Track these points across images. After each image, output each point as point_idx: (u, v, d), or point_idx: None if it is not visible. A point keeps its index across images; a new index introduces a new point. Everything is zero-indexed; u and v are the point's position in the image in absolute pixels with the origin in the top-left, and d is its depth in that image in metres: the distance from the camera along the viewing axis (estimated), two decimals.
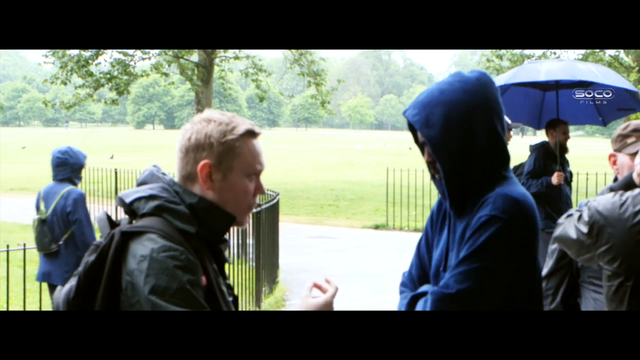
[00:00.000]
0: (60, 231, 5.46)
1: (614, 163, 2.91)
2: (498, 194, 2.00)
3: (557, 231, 2.78)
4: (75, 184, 5.63)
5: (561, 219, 2.81)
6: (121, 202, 1.87)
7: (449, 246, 2.14)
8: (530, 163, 7.00)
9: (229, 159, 1.86)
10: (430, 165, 2.13)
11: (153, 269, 1.71)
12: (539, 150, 7.02)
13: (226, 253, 1.99)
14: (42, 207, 5.52)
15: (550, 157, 6.98)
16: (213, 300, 1.82)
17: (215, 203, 1.87)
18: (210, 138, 1.85)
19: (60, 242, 5.45)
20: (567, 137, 6.97)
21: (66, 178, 5.58)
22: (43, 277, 5.52)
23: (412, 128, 2.20)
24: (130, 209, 1.85)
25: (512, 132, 6.47)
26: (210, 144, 1.85)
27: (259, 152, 1.91)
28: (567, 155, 7.14)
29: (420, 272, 2.26)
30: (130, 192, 1.87)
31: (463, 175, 2.06)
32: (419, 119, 2.07)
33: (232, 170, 1.86)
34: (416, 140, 2.20)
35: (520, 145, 13.70)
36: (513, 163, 7.95)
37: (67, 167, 5.58)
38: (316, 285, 2.01)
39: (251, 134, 1.89)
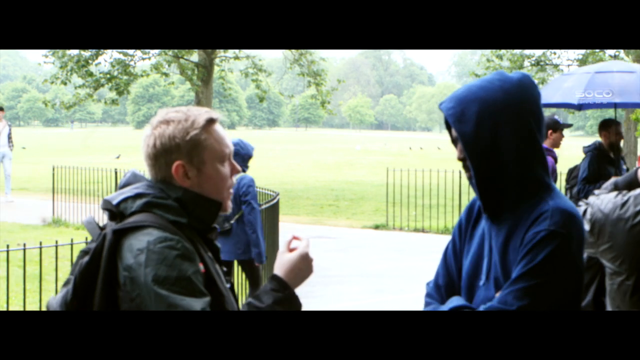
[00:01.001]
0: (233, 212, 6.16)
1: None
2: (554, 208, 1.96)
3: None
4: (244, 172, 6.30)
5: None
6: (107, 204, 1.88)
7: (484, 254, 2.09)
8: (585, 168, 6.80)
9: (198, 153, 1.89)
10: (462, 162, 2.10)
11: (151, 260, 1.73)
12: (592, 152, 6.83)
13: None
14: None
15: (605, 159, 6.80)
16: (212, 286, 1.83)
17: (199, 192, 1.89)
18: (175, 139, 1.87)
19: (232, 222, 6.17)
20: (620, 137, 6.85)
21: None
22: None
23: (448, 124, 2.16)
24: (118, 210, 1.86)
25: (563, 132, 6.45)
26: (177, 145, 1.87)
27: (223, 136, 1.94)
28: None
29: (447, 281, 2.19)
30: (116, 195, 1.89)
31: (494, 175, 2.02)
32: (453, 113, 2.04)
33: (205, 162, 1.90)
34: (452, 137, 2.16)
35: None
36: (570, 163, 7.78)
37: (238, 157, 6.17)
38: (295, 238, 1.97)
39: (211, 121, 1.92)
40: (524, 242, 1.97)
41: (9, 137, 16.27)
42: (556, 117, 6.59)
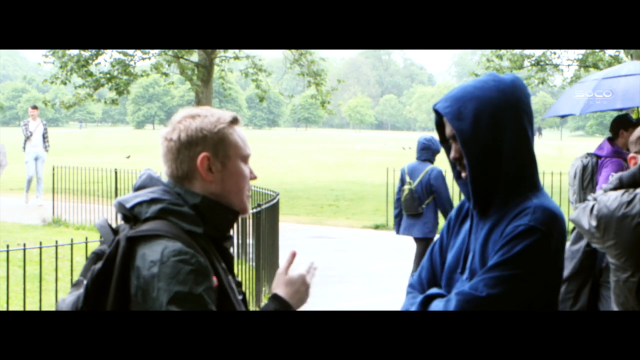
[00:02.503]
0: (424, 197, 7.43)
1: (635, 165, 2.88)
2: (537, 205, 2.02)
3: (574, 215, 2.81)
4: (432, 163, 7.55)
5: (580, 203, 2.84)
6: (121, 207, 1.85)
7: (469, 248, 2.13)
8: None
9: (224, 147, 1.88)
10: (457, 162, 2.13)
11: (164, 274, 1.70)
12: None
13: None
14: (408, 179, 7.52)
15: None
16: (225, 299, 1.82)
17: (218, 200, 1.87)
18: (202, 131, 1.86)
19: (424, 205, 7.42)
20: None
21: (427, 159, 7.53)
22: (406, 231, 7.54)
23: (439, 126, 2.20)
24: (132, 213, 1.83)
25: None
26: (204, 137, 1.86)
27: (245, 137, 1.95)
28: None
29: (430, 276, 2.25)
30: (130, 197, 1.86)
31: (489, 173, 2.06)
32: (450, 111, 2.07)
33: (230, 158, 1.89)
34: (443, 139, 2.20)
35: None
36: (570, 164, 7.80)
37: (429, 150, 7.52)
38: (293, 254, 2.01)
39: (236, 121, 1.93)
40: (503, 234, 2.02)
41: (44, 137, 15.33)
42: (629, 115, 6.42)
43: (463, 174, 2.13)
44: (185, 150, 1.86)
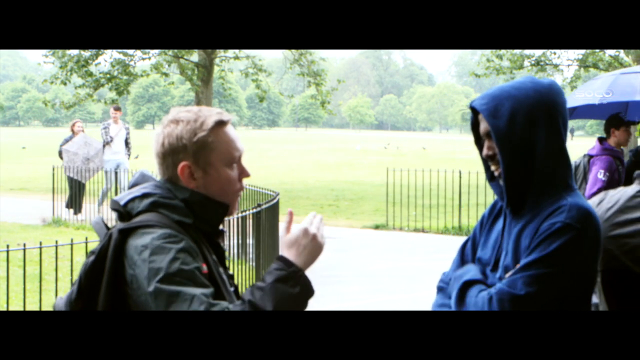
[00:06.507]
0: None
1: None
2: (572, 204, 2.04)
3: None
4: None
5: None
6: (115, 204, 1.89)
7: (501, 246, 2.15)
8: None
9: (205, 155, 1.88)
10: (490, 159, 2.15)
11: (154, 254, 1.74)
12: (629, 157, 6.61)
13: (227, 253, 2.00)
14: None
15: None
16: (215, 288, 1.82)
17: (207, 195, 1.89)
18: (182, 140, 1.87)
19: None
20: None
21: None
22: None
23: (474, 124, 2.23)
24: (126, 210, 1.87)
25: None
26: (184, 146, 1.87)
27: (233, 138, 1.92)
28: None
29: None
30: (124, 195, 1.90)
31: (522, 170, 2.09)
32: (487, 108, 2.11)
33: (212, 165, 1.89)
34: (476, 139, 2.23)
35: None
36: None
37: None
38: (290, 213, 1.92)
39: (221, 123, 1.91)
40: (538, 232, 2.03)
41: (127, 143, 13.71)
42: (622, 114, 6.43)
43: (496, 172, 2.15)
44: (168, 157, 1.89)
